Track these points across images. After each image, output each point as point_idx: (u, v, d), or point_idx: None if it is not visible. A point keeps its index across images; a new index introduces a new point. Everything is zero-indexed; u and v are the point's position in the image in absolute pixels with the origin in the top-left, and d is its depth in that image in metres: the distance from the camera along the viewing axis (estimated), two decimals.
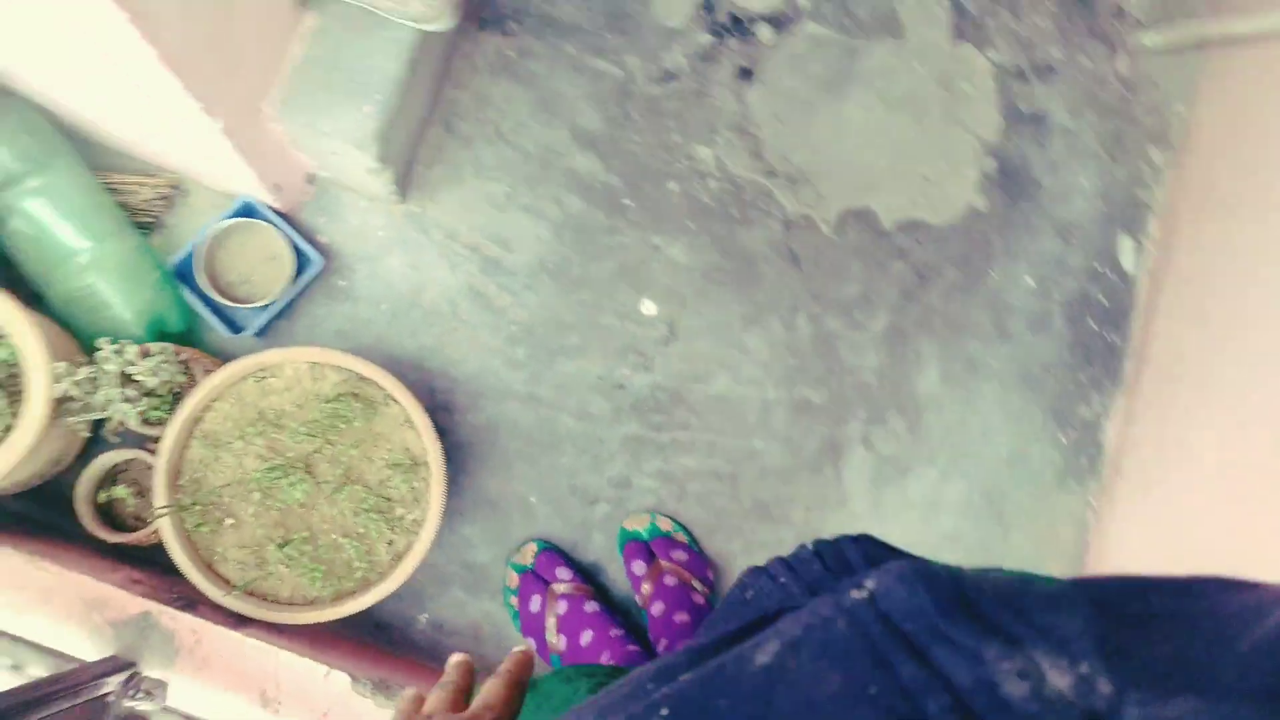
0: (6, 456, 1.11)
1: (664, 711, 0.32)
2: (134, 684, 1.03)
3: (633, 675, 0.40)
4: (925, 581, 0.32)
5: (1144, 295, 1.55)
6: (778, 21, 1.54)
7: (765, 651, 0.32)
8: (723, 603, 0.57)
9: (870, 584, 0.33)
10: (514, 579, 1.34)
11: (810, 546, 0.51)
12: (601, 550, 1.36)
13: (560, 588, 1.30)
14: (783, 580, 0.50)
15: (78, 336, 1.26)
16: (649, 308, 1.40)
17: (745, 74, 1.51)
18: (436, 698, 0.53)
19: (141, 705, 1.03)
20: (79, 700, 0.96)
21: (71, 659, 1.07)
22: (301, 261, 1.34)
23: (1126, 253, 1.57)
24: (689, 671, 0.35)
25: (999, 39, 1.59)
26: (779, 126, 1.50)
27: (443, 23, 1.20)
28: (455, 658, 0.58)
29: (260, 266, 1.35)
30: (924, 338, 1.48)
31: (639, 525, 1.36)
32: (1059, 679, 0.28)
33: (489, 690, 0.52)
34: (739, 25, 1.53)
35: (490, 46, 1.45)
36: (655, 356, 1.40)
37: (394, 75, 1.20)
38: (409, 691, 0.54)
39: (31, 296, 1.24)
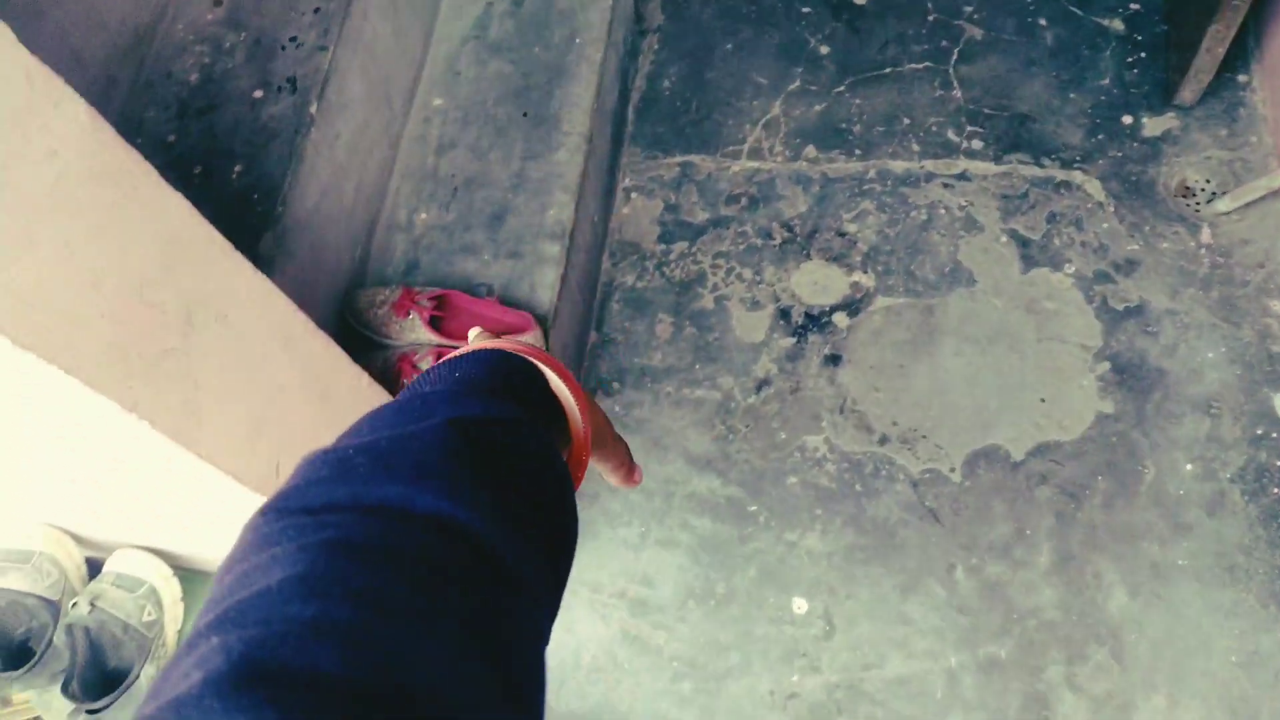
0: None
1: None
2: None
3: None
4: None
5: None
6: (850, 306, 1.65)
7: None
8: None
9: None
10: None
11: None
12: None
13: None
14: None
15: None
16: (800, 606, 1.39)
17: (833, 360, 1.60)
18: None
19: None
20: None
21: None
22: None
23: None
24: None
25: (1069, 253, 1.63)
26: (878, 395, 1.54)
27: None
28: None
29: None
30: (1097, 556, 1.38)
31: None
32: None
33: None
34: (815, 321, 1.64)
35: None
36: (820, 654, 1.36)
37: None
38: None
39: None
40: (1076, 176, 1.71)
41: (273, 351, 0.98)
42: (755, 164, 1.82)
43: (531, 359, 0.49)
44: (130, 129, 1.26)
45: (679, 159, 1.86)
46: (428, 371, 0.48)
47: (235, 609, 0.32)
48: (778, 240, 1.74)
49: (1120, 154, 1.72)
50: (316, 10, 1.33)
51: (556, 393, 0.50)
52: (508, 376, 0.47)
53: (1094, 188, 1.70)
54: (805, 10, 1.96)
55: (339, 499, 0.37)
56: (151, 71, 1.30)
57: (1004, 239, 1.67)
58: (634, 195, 1.83)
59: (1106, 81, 1.80)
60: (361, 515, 0.36)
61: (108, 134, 0.72)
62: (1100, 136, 1.75)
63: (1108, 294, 1.58)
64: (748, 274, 1.70)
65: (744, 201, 1.79)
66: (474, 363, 0.47)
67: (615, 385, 1.63)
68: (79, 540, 1.32)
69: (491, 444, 0.41)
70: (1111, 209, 1.67)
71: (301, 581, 0.32)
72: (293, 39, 1.32)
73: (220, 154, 1.24)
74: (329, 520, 0.36)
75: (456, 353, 0.49)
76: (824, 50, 1.92)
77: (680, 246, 1.76)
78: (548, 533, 0.42)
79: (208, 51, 1.32)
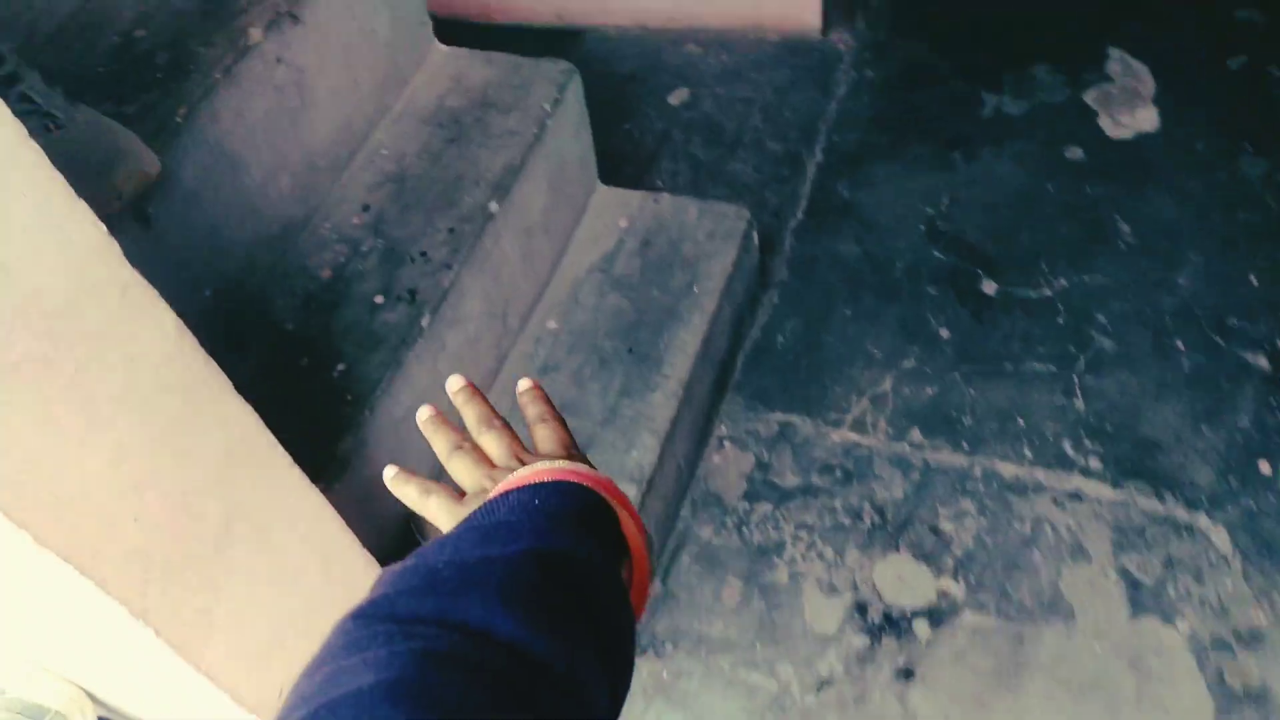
0: None
1: None
2: None
3: None
4: None
5: None
6: (934, 616, 1.52)
7: None
8: None
9: None
10: None
11: None
12: None
13: None
14: None
15: None
16: None
17: (906, 674, 1.46)
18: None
19: None
20: None
21: None
22: None
23: None
24: None
25: (1185, 608, 1.47)
26: None
27: None
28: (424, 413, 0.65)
29: None
30: None
31: None
32: None
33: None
34: (894, 624, 1.51)
35: (644, 671, 1.51)
36: None
37: None
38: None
39: None
40: (1202, 521, 1.58)
41: (309, 569, 0.95)
42: (856, 437, 1.76)
43: (605, 495, 0.52)
44: (257, 311, 1.31)
45: (779, 416, 1.82)
46: (507, 495, 0.50)
47: (326, 707, 0.34)
48: (867, 523, 1.64)
49: (1254, 505, 1.59)
50: (451, 230, 1.39)
51: (625, 531, 0.52)
52: (586, 512, 0.50)
53: (1220, 538, 1.56)
54: (931, 291, 1.95)
55: (426, 611, 0.39)
56: (290, 261, 1.36)
57: (1113, 575, 1.53)
58: (727, 444, 1.79)
59: (1246, 423, 1.69)
60: (447, 630, 0.38)
61: (189, 344, 0.73)
62: (1233, 481, 1.62)
63: (1225, 667, 1.41)
64: (829, 553, 1.61)
65: (838, 474, 1.72)
66: (554, 494, 0.50)
67: (669, 646, 1.53)
68: (95, 700, 1.28)
69: (569, 580, 0.44)
70: (1238, 566, 1.52)
71: (392, 687, 0.35)
72: (423, 253, 1.37)
73: (329, 350, 1.27)
74: (416, 631, 0.38)
75: (537, 478, 0.52)
76: (944, 334, 1.89)
77: (764, 508, 1.69)
78: (613, 667, 0.44)
79: (345, 251, 1.38)
